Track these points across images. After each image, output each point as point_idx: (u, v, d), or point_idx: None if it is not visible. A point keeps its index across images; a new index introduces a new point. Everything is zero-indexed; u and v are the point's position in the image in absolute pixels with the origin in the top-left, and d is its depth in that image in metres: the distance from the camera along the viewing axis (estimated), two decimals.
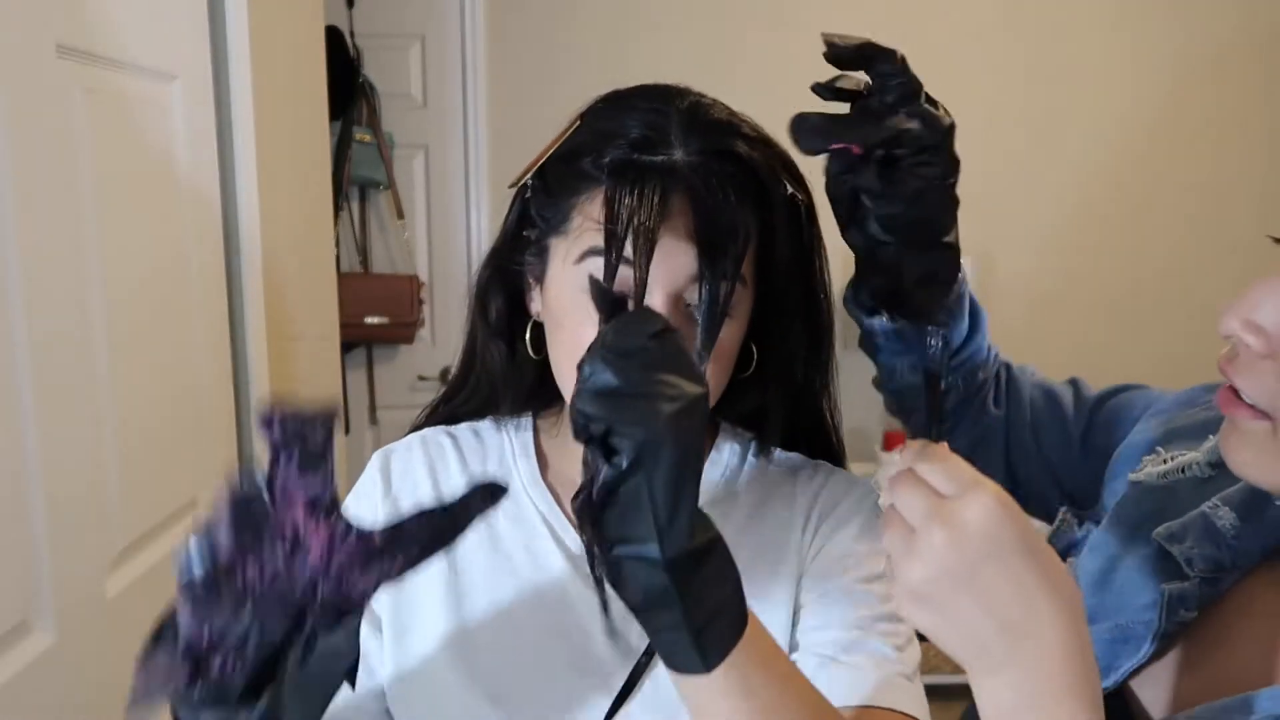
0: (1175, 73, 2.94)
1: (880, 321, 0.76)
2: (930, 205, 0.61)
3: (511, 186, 0.72)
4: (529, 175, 0.70)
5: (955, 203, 0.62)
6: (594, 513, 0.48)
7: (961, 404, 0.84)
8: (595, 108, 0.69)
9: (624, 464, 0.46)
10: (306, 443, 0.46)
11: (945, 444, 0.52)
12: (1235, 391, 0.51)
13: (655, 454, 0.46)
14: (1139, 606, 0.61)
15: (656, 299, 0.63)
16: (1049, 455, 0.81)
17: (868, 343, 0.80)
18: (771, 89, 2.90)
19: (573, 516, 0.75)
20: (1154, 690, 0.59)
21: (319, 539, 0.46)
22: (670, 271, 0.63)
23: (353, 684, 0.50)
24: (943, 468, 0.49)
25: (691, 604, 0.49)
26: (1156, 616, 0.59)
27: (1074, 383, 0.85)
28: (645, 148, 0.63)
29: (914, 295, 0.65)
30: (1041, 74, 2.91)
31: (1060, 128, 2.93)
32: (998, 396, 0.84)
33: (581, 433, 0.48)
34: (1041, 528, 0.77)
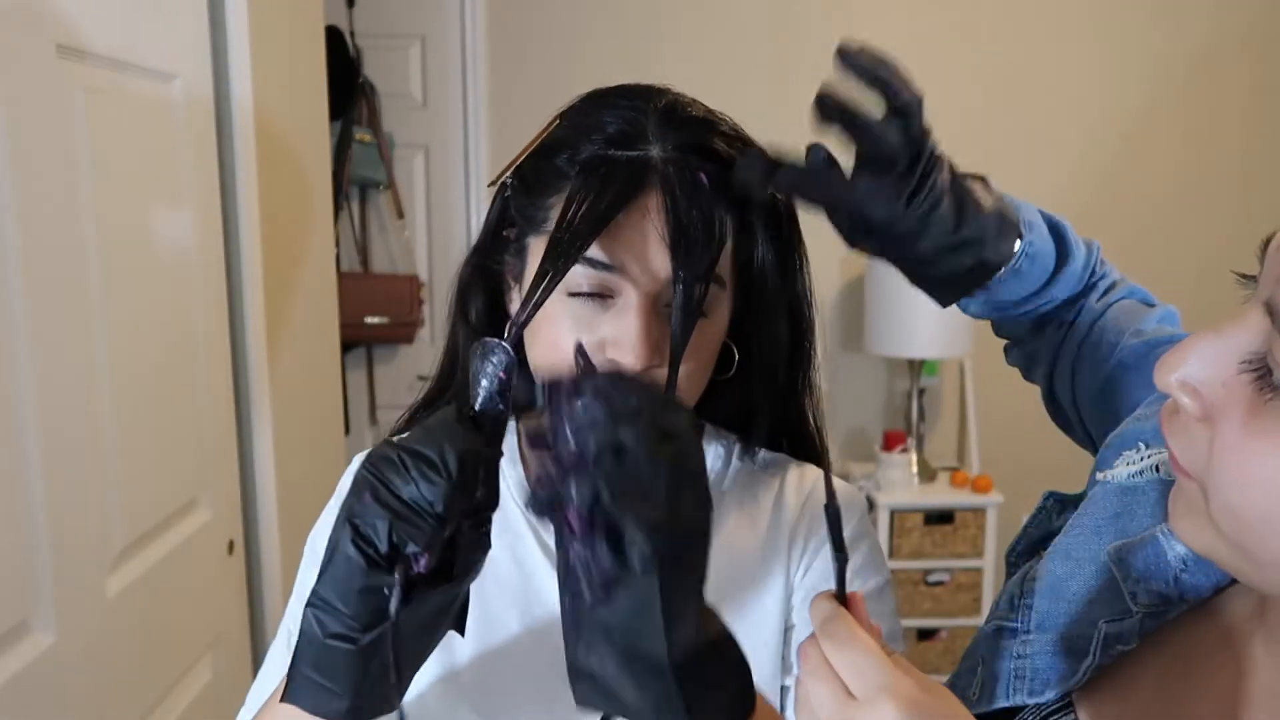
0: (1156, 74, 2.94)
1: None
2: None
3: (491, 184, 0.72)
4: (508, 173, 0.70)
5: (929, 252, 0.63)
6: (591, 609, 0.45)
7: (1029, 331, 0.81)
8: (575, 105, 0.68)
9: (636, 564, 0.44)
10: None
11: (860, 599, 0.50)
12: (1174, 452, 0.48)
13: (676, 556, 0.44)
14: (1081, 624, 0.59)
15: (632, 300, 0.62)
16: (1077, 395, 0.77)
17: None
18: (771, 91, 2.90)
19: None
20: (1097, 705, 0.57)
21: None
22: (646, 272, 0.62)
23: (461, 630, 0.55)
24: (852, 660, 0.46)
25: (699, 709, 0.46)
26: (1091, 650, 0.57)
27: (1145, 317, 0.76)
28: (620, 143, 0.63)
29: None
30: (1024, 77, 2.91)
31: (1042, 130, 2.93)
32: (1061, 324, 0.79)
33: (586, 509, 0.45)
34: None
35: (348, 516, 0.48)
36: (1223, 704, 0.52)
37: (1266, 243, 0.45)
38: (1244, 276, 0.47)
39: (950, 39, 2.84)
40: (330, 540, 0.49)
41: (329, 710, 0.51)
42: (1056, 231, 0.74)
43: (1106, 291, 0.78)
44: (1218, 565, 0.49)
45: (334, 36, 2.68)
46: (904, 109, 0.59)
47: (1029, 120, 2.92)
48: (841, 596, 0.49)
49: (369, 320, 2.82)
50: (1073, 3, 2.90)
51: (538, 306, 0.60)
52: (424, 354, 3.02)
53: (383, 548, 0.47)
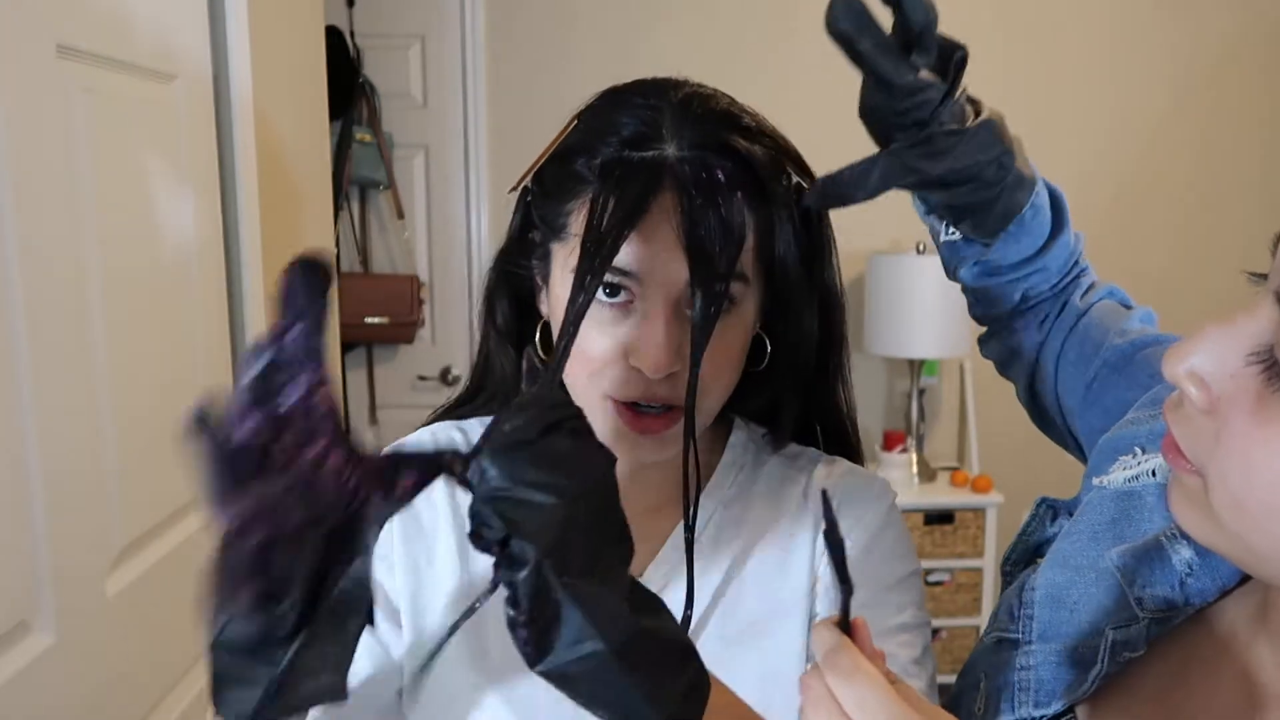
0: (1174, 75, 2.94)
1: (936, 223, 0.76)
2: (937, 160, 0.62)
3: (511, 191, 0.72)
4: (528, 178, 0.69)
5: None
6: (522, 631, 0.45)
7: (1009, 314, 0.80)
8: (592, 105, 0.68)
9: (528, 569, 0.44)
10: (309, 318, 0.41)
11: (863, 626, 0.49)
12: (1175, 441, 0.48)
13: (557, 552, 0.44)
14: (1087, 631, 0.59)
15: (652, 304, 0.62)
16: (1060, 392, 0.78)
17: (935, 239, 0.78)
18: (774, 88, 2.90)
19: None
20: (1098, 716, 0.58)
21: (338, 449, 0.42)
22: (665, 275, 0.61)
23: (372, 623, 0.48)
24: (856, 693, 0.45)
25: (652, 686, 0.46)
26: (1099, 658, 0.57)
27: (1129, 317, 0.77)
28: (636, 144, 0.62)
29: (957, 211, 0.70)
30: (1039, 78, 2.91)
31: (1058, 131, 2.93)
32: (1045, 319, 0.79)
33: (477, 541, 0.45)
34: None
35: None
36: (1226, 708, 0.52)
37: (1278, 237, 0.46)
38: (1256, 275, 0.48)
39: (963, 38, 2.83)
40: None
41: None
42: (1054, 197, 0.74)
43: (1088, 290, 0.79)
44: (1218, 554, 0.49)
45: (334, 36, 2.68)
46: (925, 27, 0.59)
47: (1048, 119, 2.90)
48: (845, 625, 0.48)
49: (369, 320, 2.82)
50: (1090, 1, 2.89)
51: (577, 324, 0.59)
52: (424, 354, 3.02)
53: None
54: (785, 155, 0.67)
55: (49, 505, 1.07)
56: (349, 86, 2.78)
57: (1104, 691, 0.57)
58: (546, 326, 0.72)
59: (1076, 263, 0.79)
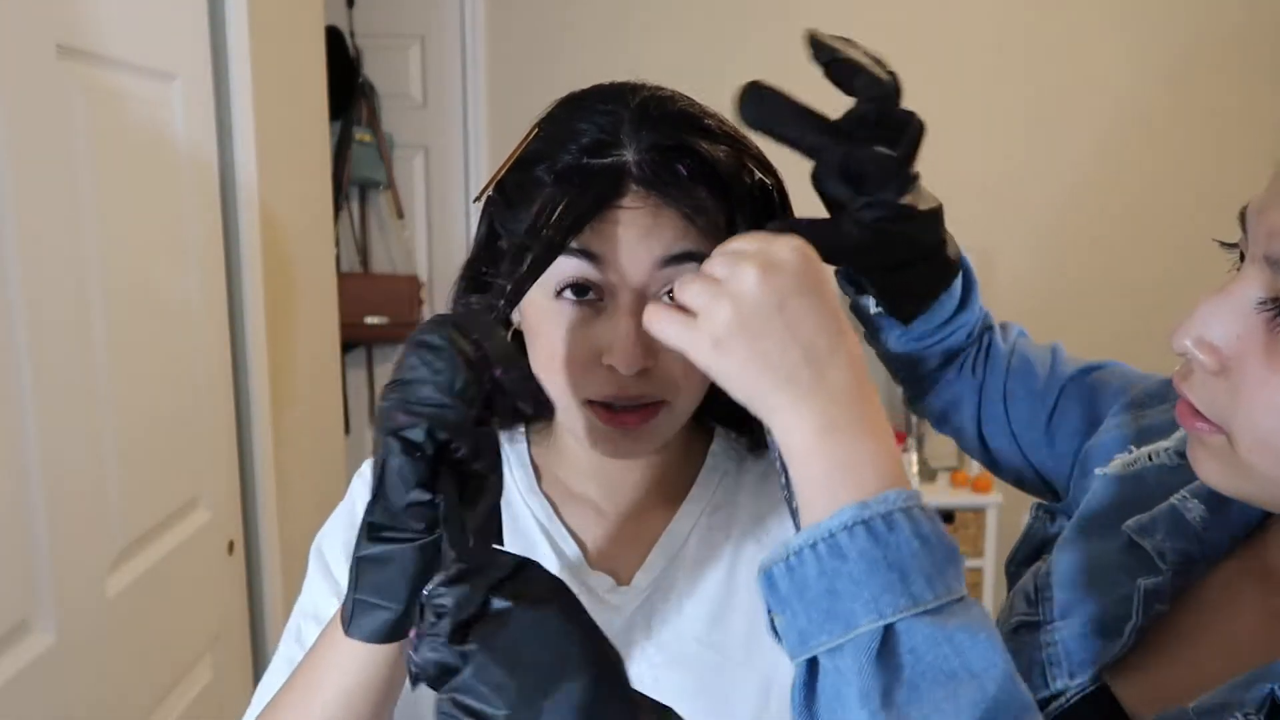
0: (1177, 65, 2.92)
1: (865, 300, 0.76)
2: (886, 240, 0.64)
3: (475, 200, 0.71)
4: (490, 187, 0.69)
5: (913, 237, 0.65)
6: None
7: (938, 368, 0.80)
8: (552, 113, 0.68)
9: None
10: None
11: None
12: (1192, 406, 0.52)
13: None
14: (1112, 600, 0.61)
15: (625, 302, 0.62)
16: (1015, 429, 0.79)
17: (857, 311, 0.78)
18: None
19: (571, 525, 0.74)
20: (1131, 682, 0.59)
21: None
22: (632, 273, 0.61)
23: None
24: (749, 237, 0.53)
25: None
26: (1133, 611, 0.60)
27: (1053, 350, 0.81)
28: (594, 151, 0.62)
29: (888, 293, 0.72)
30: (1041, 69, 2.90)
31: (1060, 123, 2.92)
32: (976, 360, 0.80)
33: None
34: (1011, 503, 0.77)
35: (390, 431, 0.50)
36: (1245, 644, 0.56)
37: (1243, 212, 0.51)
38: (1227, 244, 0.53)
39: (959, 25, 2.84)
40: (375, 468, 0.51)
41: (381, 625, 0.52)
42: (964, 264, 0.76)
43: (1003, 329, 0.82)
44: (1247, 501, 0.54)
45: (334, 36, 2.69)
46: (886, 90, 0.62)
47: (1048, 99, 2.87)
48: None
49: (369, 320, 2.82)
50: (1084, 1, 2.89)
51: (517, 292, 0.60)
52: None
53: (429, 449, 0.50)
54: (747, 153, 0.67)
55: (49, 505, 1.07)
56: (349, 86, 2.78)
57: (1129, 659, 0.60)
58: (517, 334, 0.72)
59: (985, 313, 0.81)
